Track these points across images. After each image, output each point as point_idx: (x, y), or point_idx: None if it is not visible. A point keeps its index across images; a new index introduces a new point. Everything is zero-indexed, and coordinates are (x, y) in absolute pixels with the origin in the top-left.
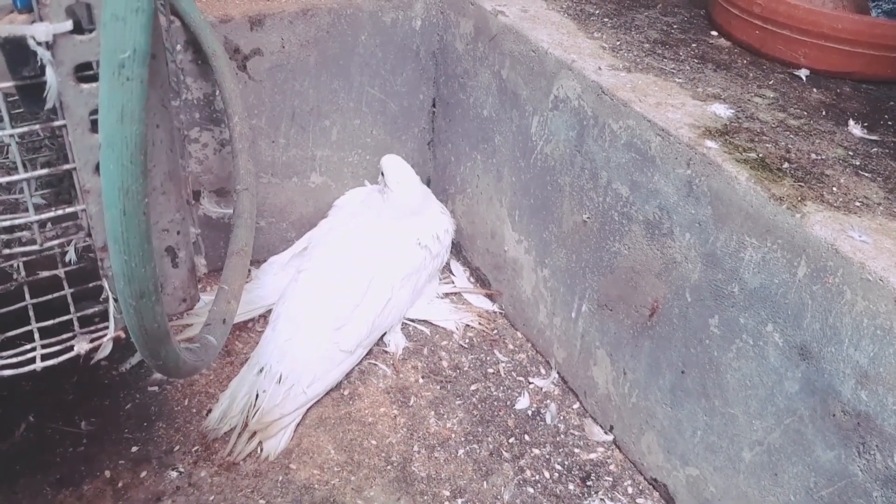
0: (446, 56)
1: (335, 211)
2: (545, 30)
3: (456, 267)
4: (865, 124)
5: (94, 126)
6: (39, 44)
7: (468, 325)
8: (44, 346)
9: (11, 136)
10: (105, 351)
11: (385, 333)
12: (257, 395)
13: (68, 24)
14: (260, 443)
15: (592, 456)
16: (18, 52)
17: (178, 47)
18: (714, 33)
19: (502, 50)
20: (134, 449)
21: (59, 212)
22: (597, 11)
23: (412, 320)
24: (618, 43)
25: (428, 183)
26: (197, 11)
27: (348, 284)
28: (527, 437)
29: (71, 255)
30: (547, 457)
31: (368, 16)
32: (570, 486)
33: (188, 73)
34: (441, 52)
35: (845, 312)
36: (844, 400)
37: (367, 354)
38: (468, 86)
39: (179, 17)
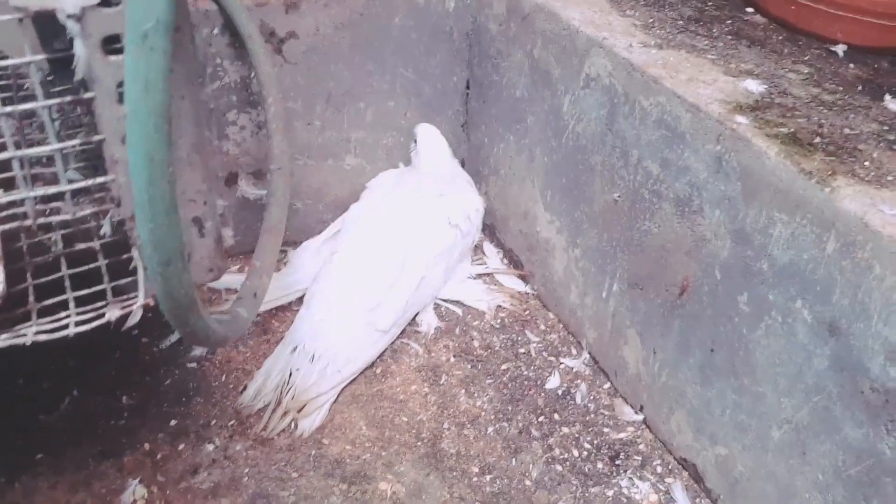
0: (480, 37)
1: (367, 193)
2: (577, 8)
3: (489, 248)
4: None
5: (121, 97)
6: (69, 17)
7: (500, 306)
8: (78, 314)
9: (44, 107)
10: (135, 318)
11: (418, 313)
12: (291, 373)
13: None
14: (294, 420)
15: (622, 435)
16: (49, 26)
17: (216, 31)
18: (749, 10)
19: (534, 29)
20: (172, 423)
21: (90, 181)
22: None
23: (444, 300)
24: (650, 20)
25: (462, 165)
26: None
27: (382, 265)
28: (556, 416)
29: (106, 228)
30: (576, 436)
31: None
32: (599, 465)
33: (225, 56)
34: (474, 33)
35: (874, 287)
36: (873, 377)
37: (399, 333)
38: (501, 66)
39: (216, 1)
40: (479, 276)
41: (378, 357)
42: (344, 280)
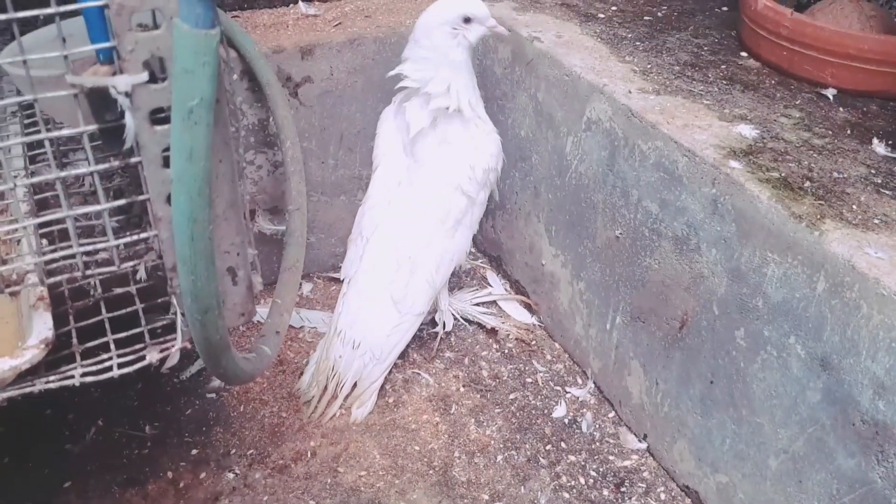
0: (486, 79)
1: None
2: (578, 55)
3: (495, 279)
4: (890, 142)
5: (165, 162)
6: (120, 93)
7: (507, 334)
8: (119, 356)
9: (95, 172)
10: (173, 360)
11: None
12: (334, 360)
13: (145, 76)
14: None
15: (627, 463)
16: (102, 100)
17: (235, 76)
18: (744, 54)
19: (538, 74)
20: (194, 452)
21: (135, 237)
22: (629, 35)
23: (458, 315)
24: (648, 66)
25: None
26: (252, 44)
27: (401, 251)
28: (563, 445)
29: (141, 273)
30: (582, 463)
31: None
32: (605, 492)
33: (244, 100)
34: (481, 76)
35: (862, 326)
36: (863, 410)
37: (411, 364)
38: (506, 108)
39: (236, 49)
40: (486, 304)
41: (390, 387)
42: (373, 269)
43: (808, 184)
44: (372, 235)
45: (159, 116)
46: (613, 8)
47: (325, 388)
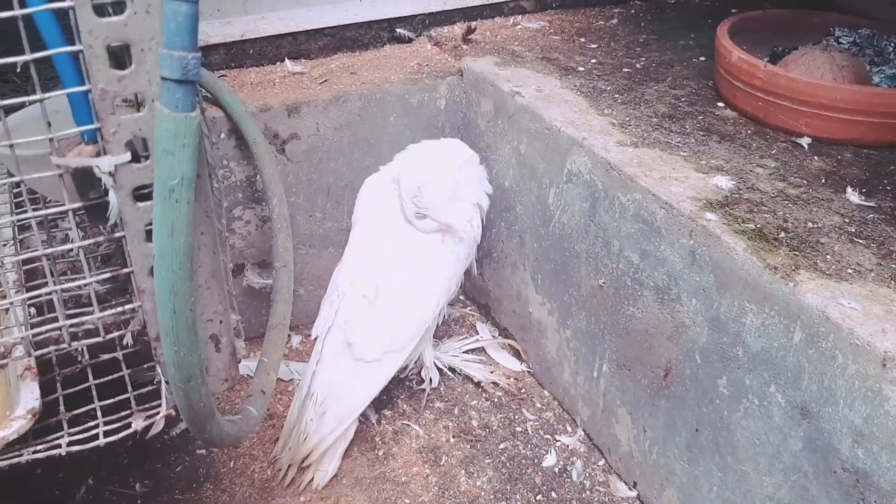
0: (470, 132)
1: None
2: (558, 108)
3: (482, 327)
4: (863, 190)
5: (148, 236)
6: (104, 173)
7: (496, 384)
8: (105, 424)
9: (80, 247)
10: (158, 427)
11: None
12: (305, 422)
13: (127, 156)
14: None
15: None
16: (86, 179)
17: (222, 135)
18: (720, 104)
19: (520, 127)
20: None
21: (120, 308)
22: (608, 88)
23: (444, 366)
24: (627, 119)
25: None
26: (239, 103)
27: (376, 313)
28: (553, 494)
29: (128, 339)
30: None
31: (397, 99)
32: None
33: (231, 158)
34: (465, 129)
35: (839, 375)
36: (843, 458)
37: (400, 415)
38: (490, 159)
39: (223, 108)
40: (474, 351)
41: (380, 439)
42: (341, 321)
43: (782, 234)
44: (346, 294)
45: (142, 193)
46: (593, 61)
47: (301, 452)
